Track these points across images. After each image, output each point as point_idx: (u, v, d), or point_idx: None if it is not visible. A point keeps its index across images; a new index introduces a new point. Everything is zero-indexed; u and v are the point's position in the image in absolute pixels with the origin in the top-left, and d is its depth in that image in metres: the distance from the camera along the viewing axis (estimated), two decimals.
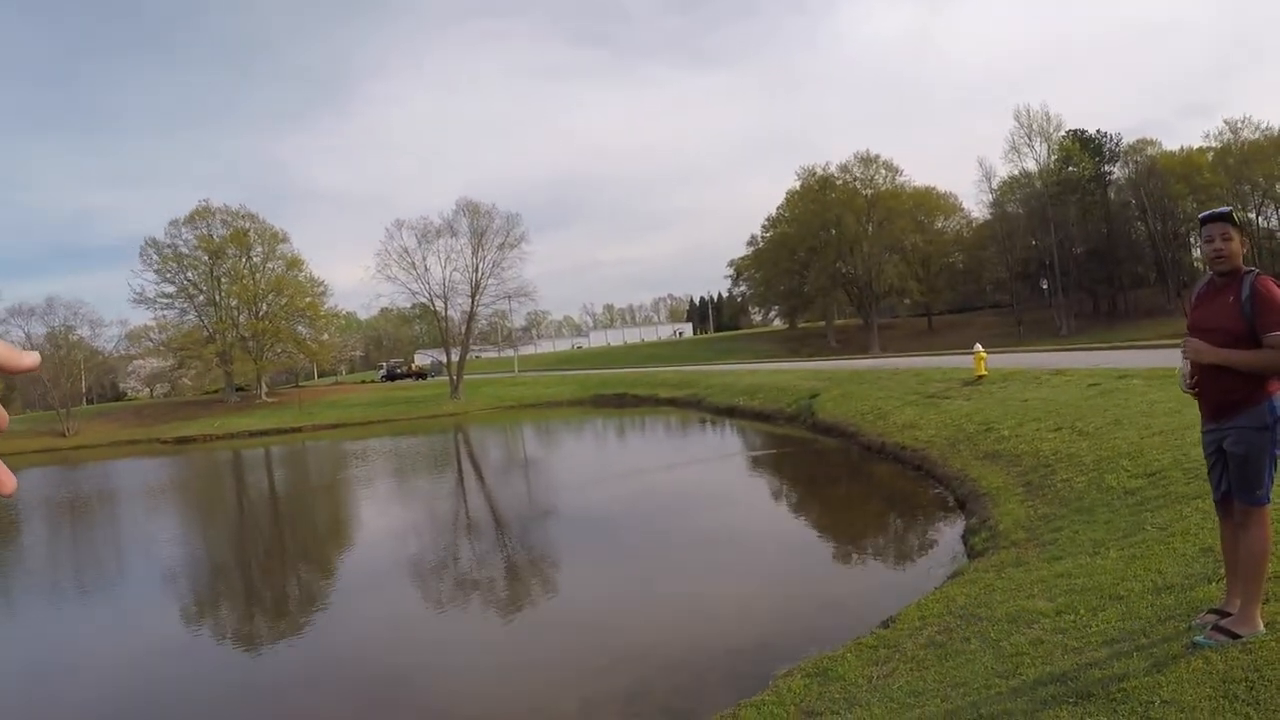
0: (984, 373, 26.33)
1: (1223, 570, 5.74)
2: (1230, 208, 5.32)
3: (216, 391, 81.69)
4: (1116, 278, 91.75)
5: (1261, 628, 5.09)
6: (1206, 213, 5.32)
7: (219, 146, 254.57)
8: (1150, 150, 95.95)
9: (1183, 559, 7.24)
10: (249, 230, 77.63)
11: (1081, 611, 6.65)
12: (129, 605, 15.43)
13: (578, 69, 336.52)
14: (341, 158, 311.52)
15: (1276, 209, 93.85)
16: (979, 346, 28.50)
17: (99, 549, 22.04)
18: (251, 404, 72.73)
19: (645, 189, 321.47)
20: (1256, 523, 5.09)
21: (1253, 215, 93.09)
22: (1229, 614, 5.30)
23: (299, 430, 59.40)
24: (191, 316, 78.57)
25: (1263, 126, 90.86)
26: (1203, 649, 5.05)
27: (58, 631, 14.06)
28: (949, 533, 14.14)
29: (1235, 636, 5.04)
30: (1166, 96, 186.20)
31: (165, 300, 77.11)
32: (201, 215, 76.79)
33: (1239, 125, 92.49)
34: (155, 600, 15.41)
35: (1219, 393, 5.17)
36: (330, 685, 10.39)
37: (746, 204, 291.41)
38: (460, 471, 31.62)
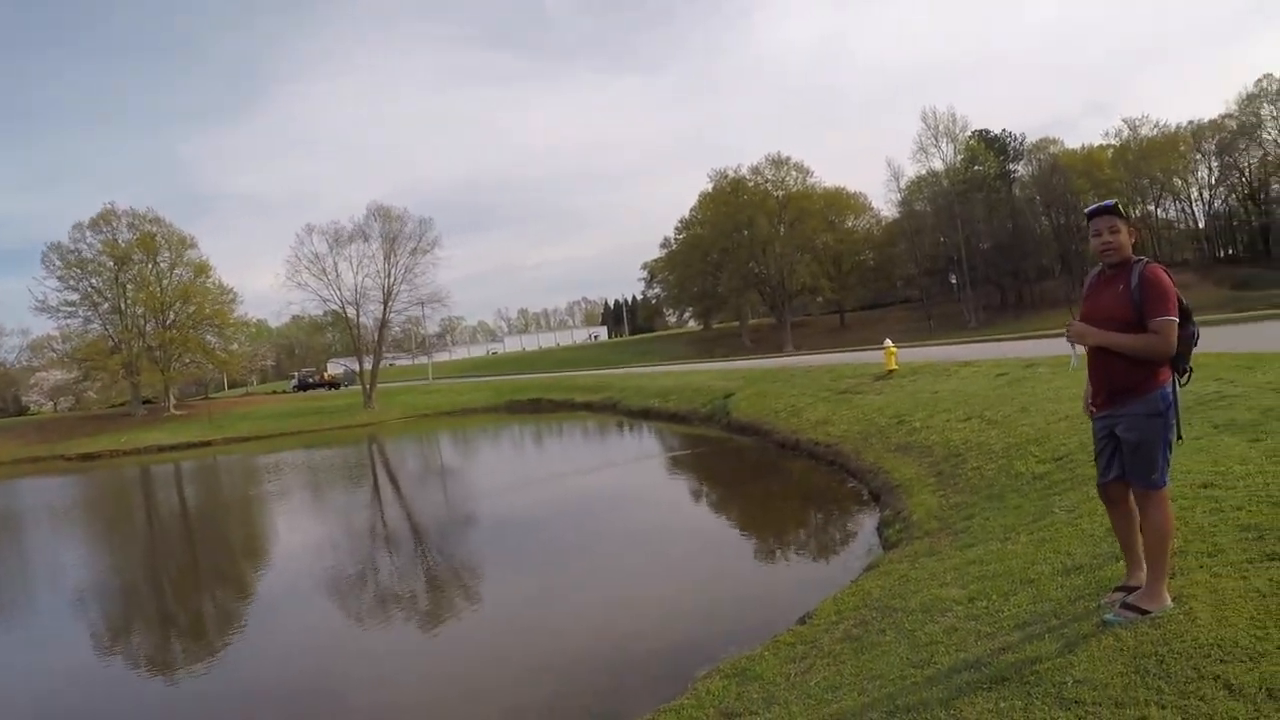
0: (895, 367, 26.60)
1: None
2: (1115, 200, 5.42)
3: (123, 404, 79.03)
4: (1022, 271, 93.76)
5: (1169, 602, 5.15)
6: (1092, 207, 5.42)
7: (127, 147, 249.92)
8: (1053, 148, 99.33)
9: (1090, 539, 7.33)
10: (156, 235, 75.10)
11: (994, 597, 6.69)
12: (34, 634, 14.91)
13: (499, 72, 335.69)
14: (256, 160, 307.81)
15: (1175, 201, 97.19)
16: (889, 341, 28.75)
17: (2, 573, 21.37)
18: (159, 417, 70.52)
19: (564, 192, 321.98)
20: (1155, 505, 5.14)
21: (1152, 207, 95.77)
22: (1135, 588, 5.36)
23: (209, 444, 57.97)
24: (96, 325, 75.55)
25: (1160, 124, 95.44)
26: (1113, 626, 5.10)
27: None
28: (864, 525, 14.24)
29: (1144, 612, 5.10)
30: (1069, 96, 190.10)
31: (69, 308, 73.90)
32: (106, 219, 73.94)
33: (1137, 123, 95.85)
34: (63, 628, 14.90)
35: (1110, 379, 5.25)
36: (251, 704, 10.16)
37: (663, 206, 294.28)
38: (376, 483, 31.18)
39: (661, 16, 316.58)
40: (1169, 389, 5.09)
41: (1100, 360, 5.30)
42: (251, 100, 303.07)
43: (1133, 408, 5.13)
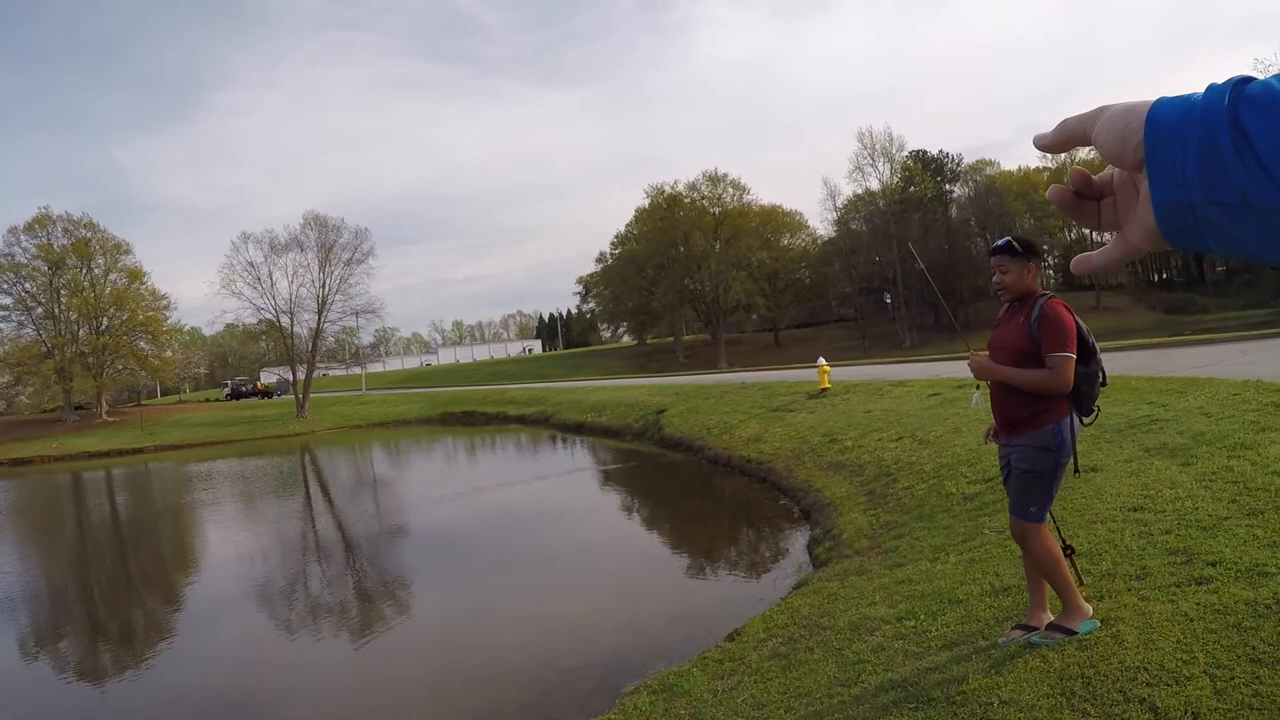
0: (828, 385, 26.71)
1: None
2: (1008, 239, 5.43)
3: (55, 410, 77.73)
4: (957, 291, 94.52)
5: (1089, 611, 5.26)
6: (993, 245, 5.50)
7: (60, 153, 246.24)
8: (989, 170, 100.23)
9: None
10: (90, 240, 74.42)
11: (922, 617, 6.70)
12: None
13: (435, 84, 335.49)
14: (188, 169, 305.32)
15: None
16: (822, 360, 28.87)
17: None
18: (91, 423, 69.48)
19: (499, 205, 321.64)
20: (1031, 538, 5.21)
21: (1087, 231, 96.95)
22: (1033, 628, 5.41)
23: (141, 451, 56.96)
24: (29, 330, 74.68)
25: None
26: (1039, 648, 5.11)
27: None
28: (795, 543, 14.24)
29: (1071, 632, 5.15)
30: (1006, 117, 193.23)
31: (1, 312, 73.46)
32: (41, 223, 73.12)
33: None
34: None
35: (1007, 410, 5.35)
36: (174, 713, 9.99)
37: (598, 220, 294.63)
38: (308, 493, 30.83)
39: (599, 32, 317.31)
40: (1064, 425, 5.15)
41: (998, 392, 5.41)
42: (182, 110, 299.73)
43: (1024, 439, 5.21)
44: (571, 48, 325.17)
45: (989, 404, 5.59)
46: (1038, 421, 5.15)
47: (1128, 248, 0.96)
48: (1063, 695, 4.47)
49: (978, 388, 5.79)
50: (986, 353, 5.51)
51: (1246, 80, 0.78)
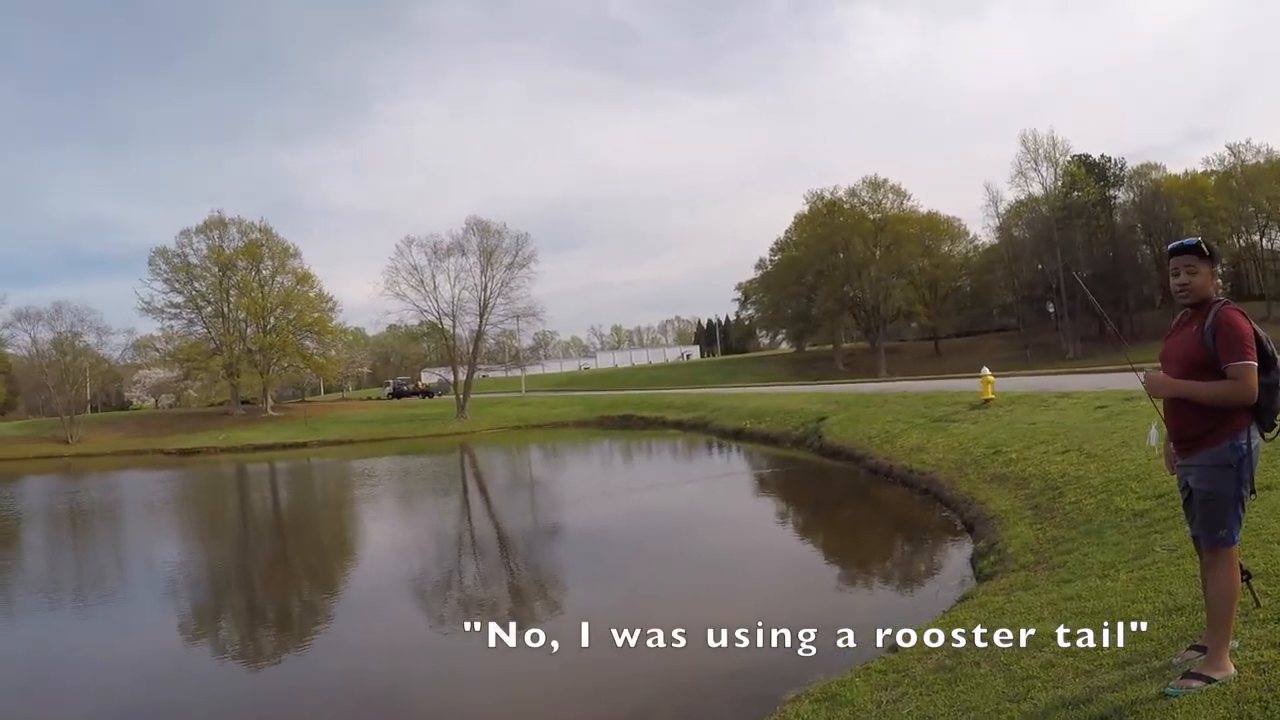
0: (991, 396, 26.26)
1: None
2: (1198, 239, 5.10)
3: (222, 404, 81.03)
4: (1123, 300, 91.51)
5: (1232, 670, 4.89)
6: (1174, 244, 5.17)
7: (230, 162, 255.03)
8: (1154, 174, 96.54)
9: (1193, 580, 7.15)
10: (261, 243, 77.48)
11: (1092, 634, 6.56)
12: (128, 618, 15.31)
13: (589, 91, 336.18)
14: (353, 175, 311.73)
15: None
16: (986, 370, 28.41)
17: (100, 562, 21.85)
18: (257, 417, 72.28)
19: (655, 211, 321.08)
20: (1222, 564, 4.92)
21: (1257, 238, 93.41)
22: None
23: (304, 445, 59.19)
24: (199, 328, 78.41)
25: (1264, 150, 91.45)
26: (1172, 698, 4.86)
27: (55, 639, 13.96)
28: (957, 556, 14.08)
29: (1209, 681, 4.85)
30: (1169, 121, 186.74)
31: (173, 310, 77.05)
32: (214, 226, 76.65)
33: (1241, 149, 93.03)
34: (154, 613, 15.32)
35: (1181, 427, 5.05)
36: (329, 701, 10.33)
37: (755, 227, 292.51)
38: (466, 492, 31.49)
39: (751, 38, 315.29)
40: (1242, 440, 4.80)
41: (1170, 409, 5.11)
42: (348, 119, 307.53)
43: (1200, 458, 4.91)
44: (725, 54, 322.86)
45: (1164, 438, 5.32)
46: (1214, 438, 4.83)
47: None
48: (1240, 719, 4.38)
49: (1155, 426, 5.42)
50: (1158, 365, 5.24)
51: None
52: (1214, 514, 4.87)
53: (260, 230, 78.03)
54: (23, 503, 35.25)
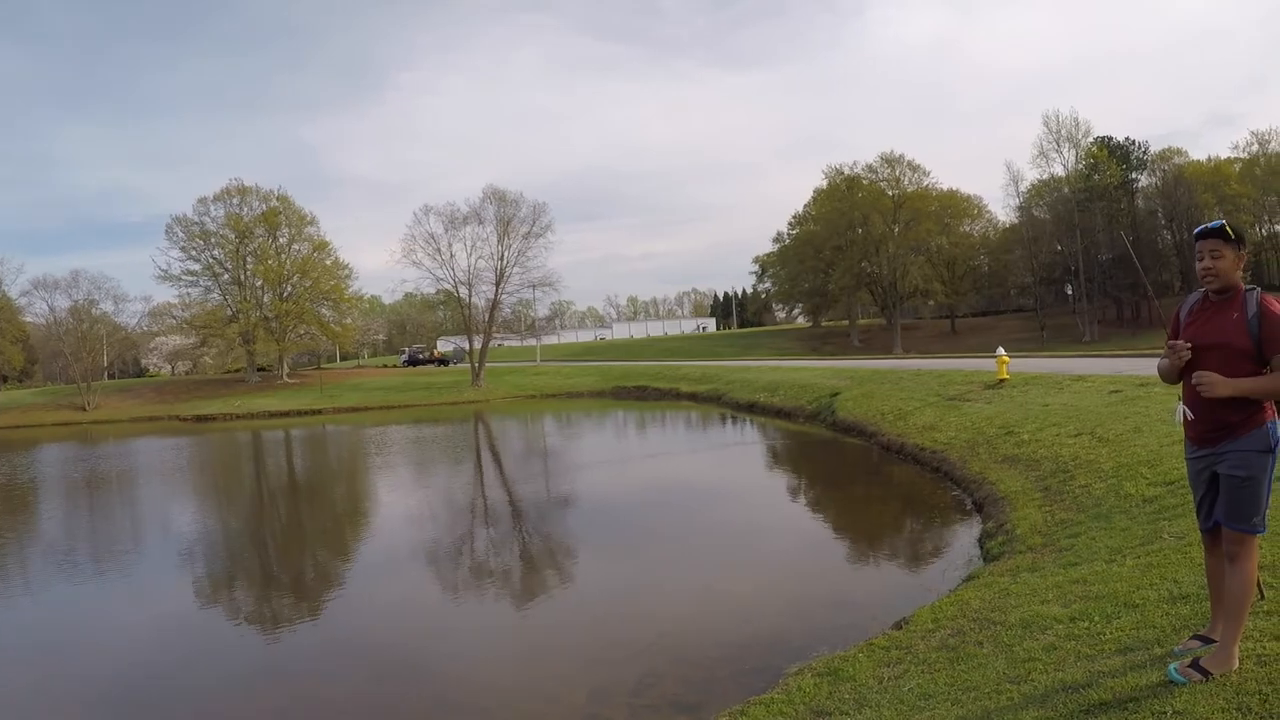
0: (1006, 376, 26.21)
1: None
2: (1223, 222, 4.99)
3: (238, 371, 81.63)
4: (1141, 285, 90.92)
5: (1236, 664, 4.82)
6: (1200, 228, 5.04)
7: (248, 131, 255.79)
8: (1177, 159, 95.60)
9: (1199, 569, 7.11)
10: (279, 211, 77.76)
11: (1096, 619, 6.57)
12: (144, 583, 15.42)
13: (610, 64, 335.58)
14: (371, 145, 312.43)
15: None
16: (1001, 350, 28.36)
17: (116, 528, 22.00)
18: (272, 384, 72.87)
19: (674, 184, 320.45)
20: (1246, 554, 4.81)
21: (1279, 228, 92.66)
22: (1213, 640, 5.09)
23: (319, 412, 59.59)
24: (215, 295, 78.93)
25: None
26: (1178, 685, 4.84)
27: (71, 606, 14.08)
28: (965, 535, 14.08)
29: (1208, 674, 4.79)
30: (1193, 106, 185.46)
31: (190, 278, 77.43)
32: (233, 193, 77.01)
33: (1266, 137, 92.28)
34: (171, 579, 15.41)
35: (1221, 414, 4.86)
36: (342, 667, 10.39)
37: (773, 201, 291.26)
38: (480, 460, 31.57)
39: (773, 11, 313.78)
40: (1273, 426, 4.77)
41: (1208, 399, 4.91)
42: (368, 89, 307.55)
43: (1241, 443, 4.79)
44: (746, 27, 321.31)
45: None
46: (1253, 423, 4.76)
47: None
48: (1238, 710, 4.34)
49: (1180, 398, 5.18)
50: (1182, 342, 4.98)
51: None
52: (1249, 499, 4.78)
53: (279, 198, 78.37)
54: (40, 469, 35.43)
